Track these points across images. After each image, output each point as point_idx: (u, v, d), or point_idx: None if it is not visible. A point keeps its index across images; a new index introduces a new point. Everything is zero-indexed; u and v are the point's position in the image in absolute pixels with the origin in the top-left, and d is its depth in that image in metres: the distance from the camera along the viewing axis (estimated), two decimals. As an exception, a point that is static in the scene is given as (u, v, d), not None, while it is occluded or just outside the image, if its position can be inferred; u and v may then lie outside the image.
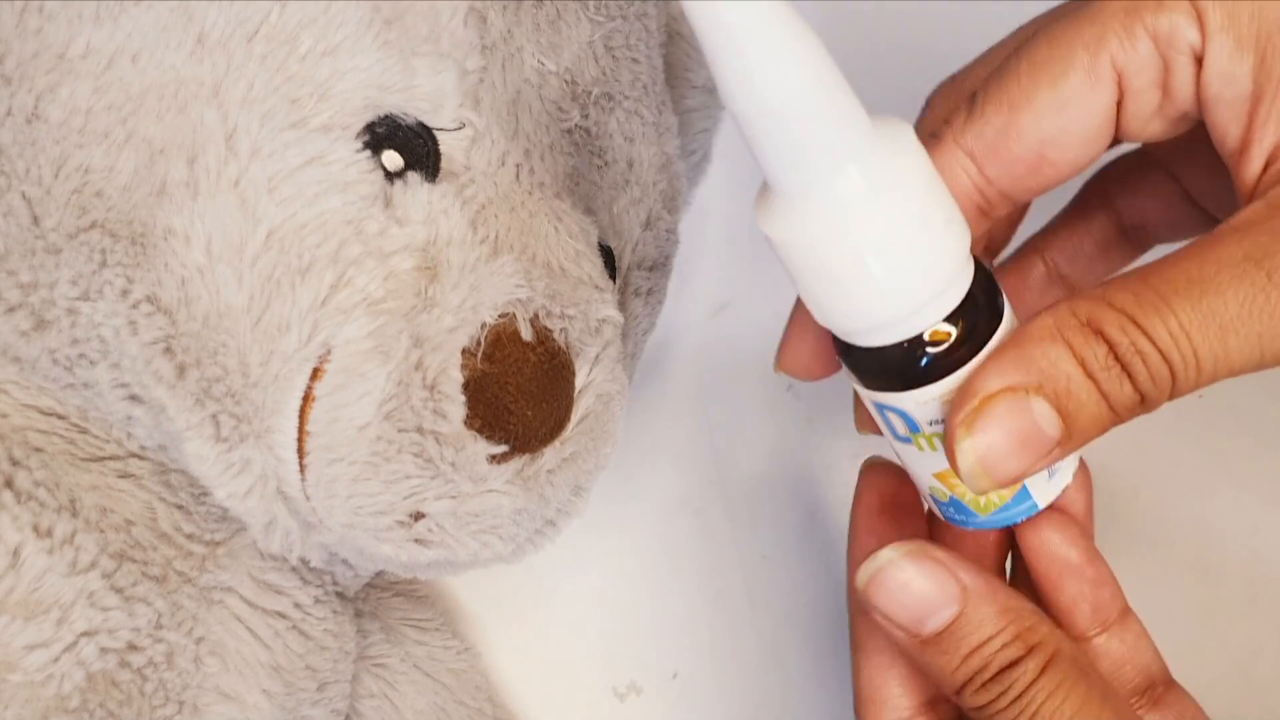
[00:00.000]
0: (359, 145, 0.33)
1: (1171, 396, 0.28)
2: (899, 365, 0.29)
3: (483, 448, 0.32)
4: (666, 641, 0.51)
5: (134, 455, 0.36)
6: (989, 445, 0.28)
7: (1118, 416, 0.28)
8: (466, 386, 0.31)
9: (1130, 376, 0.27)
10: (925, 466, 0.31)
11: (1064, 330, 0.28)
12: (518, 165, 0.35)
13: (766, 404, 0.52)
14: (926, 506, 0.35)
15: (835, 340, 0.30)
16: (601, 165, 0.38)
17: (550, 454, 0.33)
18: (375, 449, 0.32)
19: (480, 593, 0.51)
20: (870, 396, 0.30)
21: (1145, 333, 0.27)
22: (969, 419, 0.28)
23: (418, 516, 0.33)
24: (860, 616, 0.34)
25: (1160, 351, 0.27)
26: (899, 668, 0.34)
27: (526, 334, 0.32)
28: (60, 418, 0.36)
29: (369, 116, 0.33)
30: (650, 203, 0.40)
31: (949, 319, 0.28)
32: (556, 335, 0.33)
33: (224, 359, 0.32)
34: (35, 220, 0.33)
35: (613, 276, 0.38)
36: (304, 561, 0.37)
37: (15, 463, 0.35)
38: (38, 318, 0.34)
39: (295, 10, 0.32)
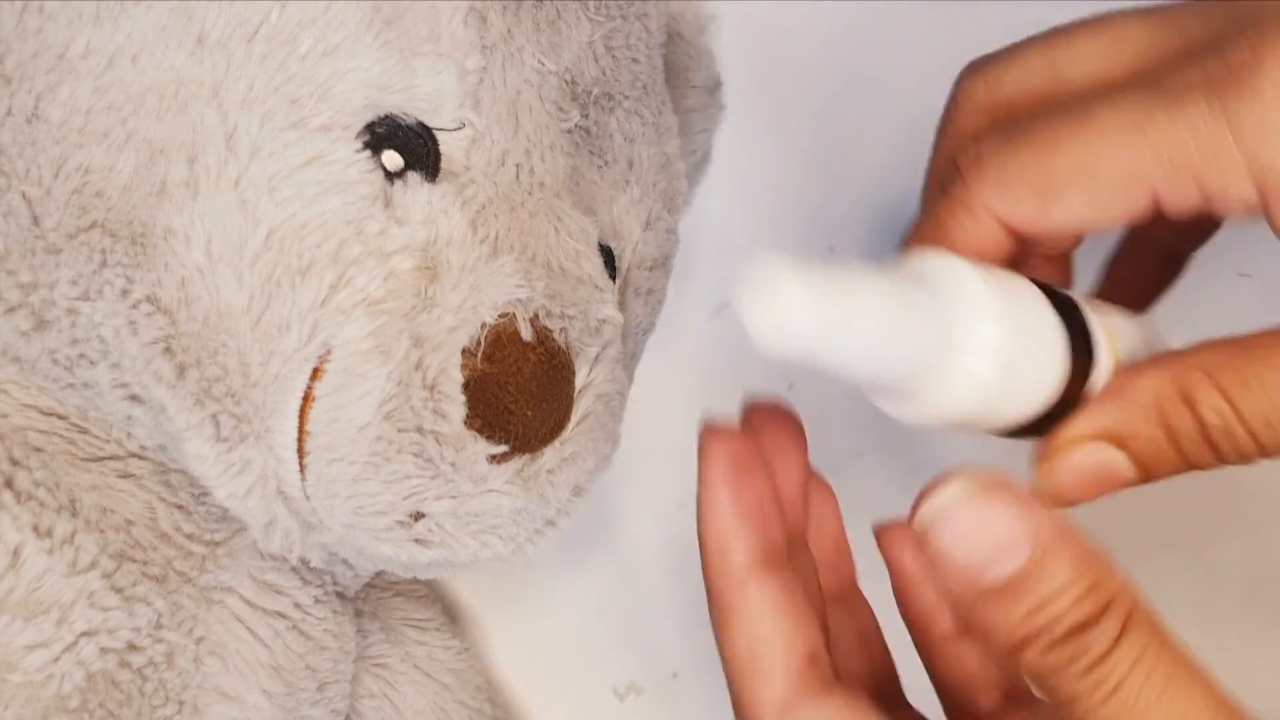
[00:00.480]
0: (359, 145, 0.33)
1: (1246, 464, 0.30)
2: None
3: (483, 448, 0.32)
4: (667, 641, 0.51)
5: (134, 455, 0.36)
6: (1064, 478, 0.31)
7: (1188, 470, 0.30)
8: (466, 386, 0.31)
9: (1215, 449, 0.30)
10: None
11: (1162, 401, 0.30)
12: (518, 165, 0.35)
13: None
14: None
15: None
16: (601, 165, 0.38)
17: (550, 454, 0.33)
18: (375, 449, 0.32)
19: (480, 593, 0.51)
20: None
21: (1240, 416, 0.29)
22: (1053, 455, 0.31)
23: (418, 516, 0.33)
24: (724, 575, 0.31)
25: (1251, 434, 0.29)
26: (780, 626, 0.30)
27: (527, 334, 0.32)
28: (60, 418, 0.36)
29: (369, 116, 0.33)
30: (650, 203, 0.40)
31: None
32: (556, 335, 0.33)
33: (224, 359, 0.32)
34: (35, 220, 0.33)
35: (613, 276, 0.38)
36: (304, 561, 0.37)
37: (15, 463, 0.35)
38: (38, 318, 0.34)
39: (295, 10, 0.32)
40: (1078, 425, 0.30)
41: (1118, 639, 0.26)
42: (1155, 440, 0.30)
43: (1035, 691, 0.28)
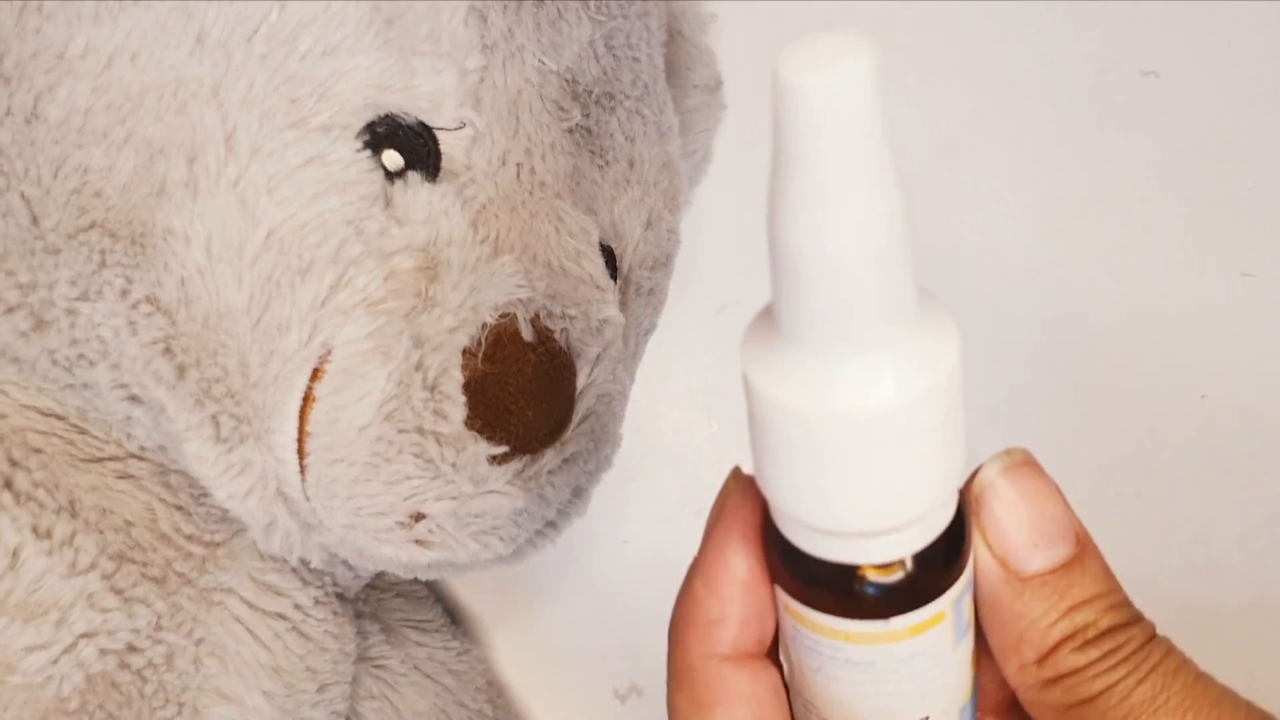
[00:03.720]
0: (359, 145, 0.33)
1: None
2: (837, 583, 0.24)
3: (483, 448, 0.32)
4: (667, 643, 0.50)
5: (133, 456, 0.36)
6: None
7: None
8: (467, 387, 0.31)
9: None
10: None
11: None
12: (518, 165, 0.35)
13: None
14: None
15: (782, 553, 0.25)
16: (602, 165, 0.38)
17: (551, 455, 0.33)
18: (376, 450, 0.32)
19: (481, 594, 0.51)
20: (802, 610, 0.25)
21: None
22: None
23: (418, 517, 0.33)
24: (711, 654, 0.26)
25: None
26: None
27: (527, 334, 0.32)
28: (59, 418, 0.36)
29: (369, 116, 0.33)
30: (651, 202, 0.39)
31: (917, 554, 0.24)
32: (557, 335, 0.33)
33: (224, 359, 0.32)
34: (34, 220, 0.33)
35: (614, 276, 0.38)
36: (304, 562, 0.37)
37: (14, 464, 0.35)
38: (37, 318, 0.34)
39: (295, 10, 0.32)
40: None
41: (1151, 638, 0.26)
42: None
43: (1042, 701, 0.26)
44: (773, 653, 0.27)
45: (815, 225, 0.21)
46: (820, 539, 0.23)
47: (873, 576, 0.23)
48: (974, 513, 0.25)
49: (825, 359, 0.20)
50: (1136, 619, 0.26)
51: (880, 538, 0.23)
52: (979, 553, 0.25)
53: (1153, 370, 0.51)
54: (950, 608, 0.24)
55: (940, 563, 0.24)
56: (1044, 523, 0.25)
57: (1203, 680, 0.25)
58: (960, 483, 0.24)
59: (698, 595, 0.26)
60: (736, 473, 0.27)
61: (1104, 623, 0.25)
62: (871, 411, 0.21)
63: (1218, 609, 0.50)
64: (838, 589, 0.23)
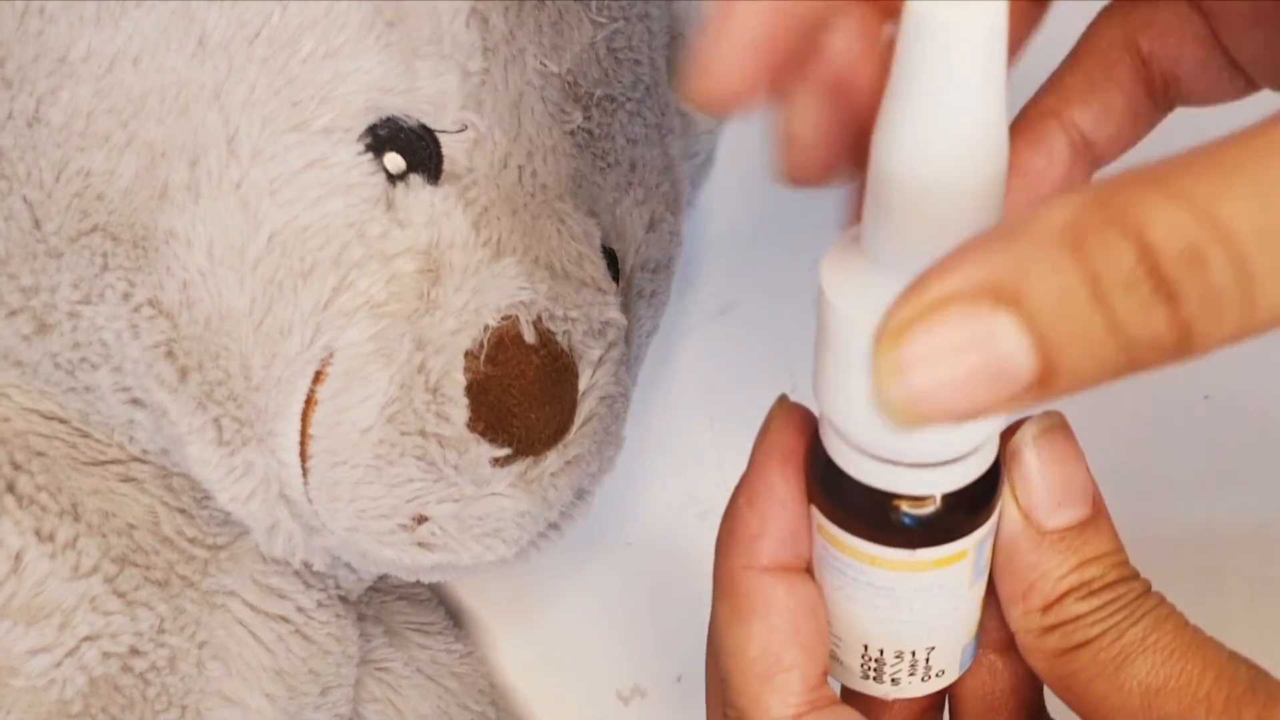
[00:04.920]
0: (361, 148, 0.33)
1: (1233, 337, 0.19)
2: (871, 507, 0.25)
3: (486, 451, 0.32)
4: (670, 644, 0.50)
5: (136, 459, 0.36)
6: (918, 374, 0.19)
7: (1136, 360, 0.20)
8: (469, 389, 0.31)
9: (1173, 297, 0.18)
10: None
11: (1080, 228, 0.19)
12: (520, 167, 0.35)
13: (770, 405, 0.52)
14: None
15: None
16: (604, 167, 0.38)
17: (553, 457, 0.33)
18: (378, 452, 0.32)
19: (484, 596, 0.50)
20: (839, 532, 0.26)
21: (1215, 223, 0.18)
22: (901, 326, 0.19)
23: (421, 520, 0.33)
24: (751, 566, 0.28)
25: (1237, 253, 0.18)
26: (803, 632, 0.27)
27: (529, 336, 0.32)
28: (62, 422, 0.36)
29: (371, 119, 0.33)
30: (653, 204, 0.40)
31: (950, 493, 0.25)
32: (559, 338, 0.33)
33: (226, 362, 0.32)
34: (36, 224, 0.33)
35: (616, 278, 0.38)
36: (306, 565, 0.37)
37: (17, 467, 0.35)
38: (39, 321, 0.34)
39: (297, 12, 0.32)
40: (939, 280, 0.19)
41: (1147, 591, 0.27)
42: (1069, 294, 0.19)
43: (1039, 646, 0.27)
44: (810, 569, 0.28)
45: (921, 148, 0.21)
46: (865, 462, 0.24)
47: (906, 507, 0.24)
48: (1007, 465, 0.26)
49: (905, 280, 0.20)
50: (1136, 575, 0.28)
51: (920, 471, 0.24)
52: (1005, 503, 0.27)
53: (1155, 371, 0.51)
54: (974, 548, 0.26)
55: (970, 505, 0.25)
56: (1069, 485, 0.27)
57: (1190, 627, 0.27)
58: (998, 434, 0.25)
59: (740, 511, 0.27)
60: (783, 399, 0.28)
61: (1109, 577, 0.27)
62: None
63: (1221, 610, 0.50)
64: (871, 515, 0.25)
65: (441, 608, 0.48)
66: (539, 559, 0.36)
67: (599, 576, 0.51)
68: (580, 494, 0.36)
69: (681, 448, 0.52)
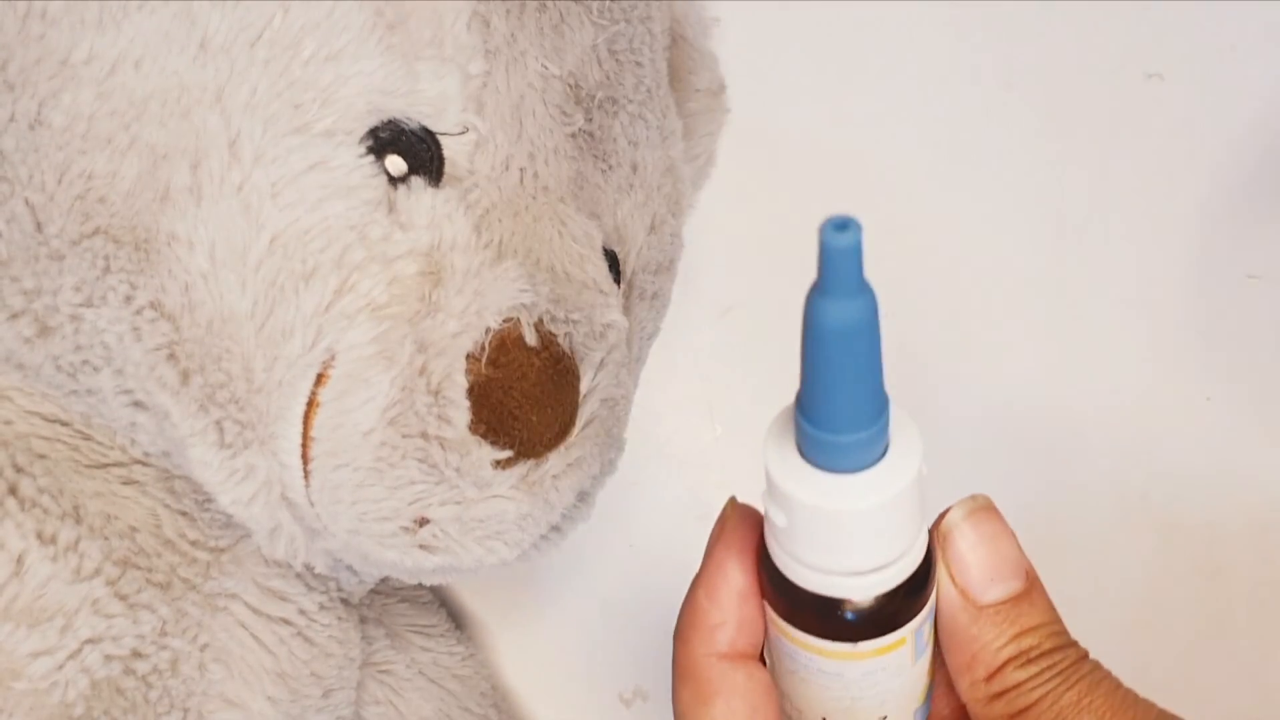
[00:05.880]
0: (362, 150, 0.33)
1: None
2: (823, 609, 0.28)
3: (487, 453, 0.32)
4: (671, 647, 0.50)
5: (138, 462, 0.36)
6: None
7: None
8: (471, 391, 0.31)
9: None
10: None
11: None
12: (521, 169, 0.35)
13: (772, 407, 0.52)
14: None
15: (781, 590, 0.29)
16: (605, 169, 0.38)
17: (555, 459, 0.33)
18: (379, 454, 0.32)
19: (486, 598, 0.50)
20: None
21: None
22: None
23: (422, 522, 0.33)
24: (711, 654, 0.30)
25: None
26: (761, 712, 0.30)
27: (531, 339, 0.32)
28: (64, 424, 0.36)
29: (372, 121, 0.33)
30: (655, 206, 0.40)
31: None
32: (561, 340, 0.33)
33: (228, 365, 0.32)
34: (38, 226, 0.33)
35: (617, 281, 0.38)
36: (308, 567, 0.37)
37: (19, 469, 0.35)
38: (41, 324, 0.34)
39: (298, 15, 0.32)
40: None
41: (1083, 658, 0.30)
42: None
43: (987, 714, 0.30)
44: (763, 656, 0.30)
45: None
46: (808, 573, 0.27)
47: (848, 607, 0.27)
48: (940, 548, 0.29)
49: (827, 476, 0.26)
50: (1072, 644, 0.30)
51: (858, 577, 0.27)
52: (942, 582, 0.29)
53: (1156, 371, 0.51)
54: (911, 635, 0.28)
55: (907, 595, 0.28)
56: (1000, 561, 0.30)
57: (1122, 690, 0.29)
58: (925, 531, 0.28)
59: (700, 603, 0.30)
60: (734, 501, 0.31)
61: (1045, 645, 0.29)
62: (856, 510, 0.26)
63: (1223, 611, 0.50)
64: (817, 614, 0.28)
65: (443, 610, 0.48)
66: (541, 561, 0.36)
67: (601, 579, 0.51)
68: (582, 496, 0.36)
69: (683, 450, 0.52)
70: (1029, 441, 0.51)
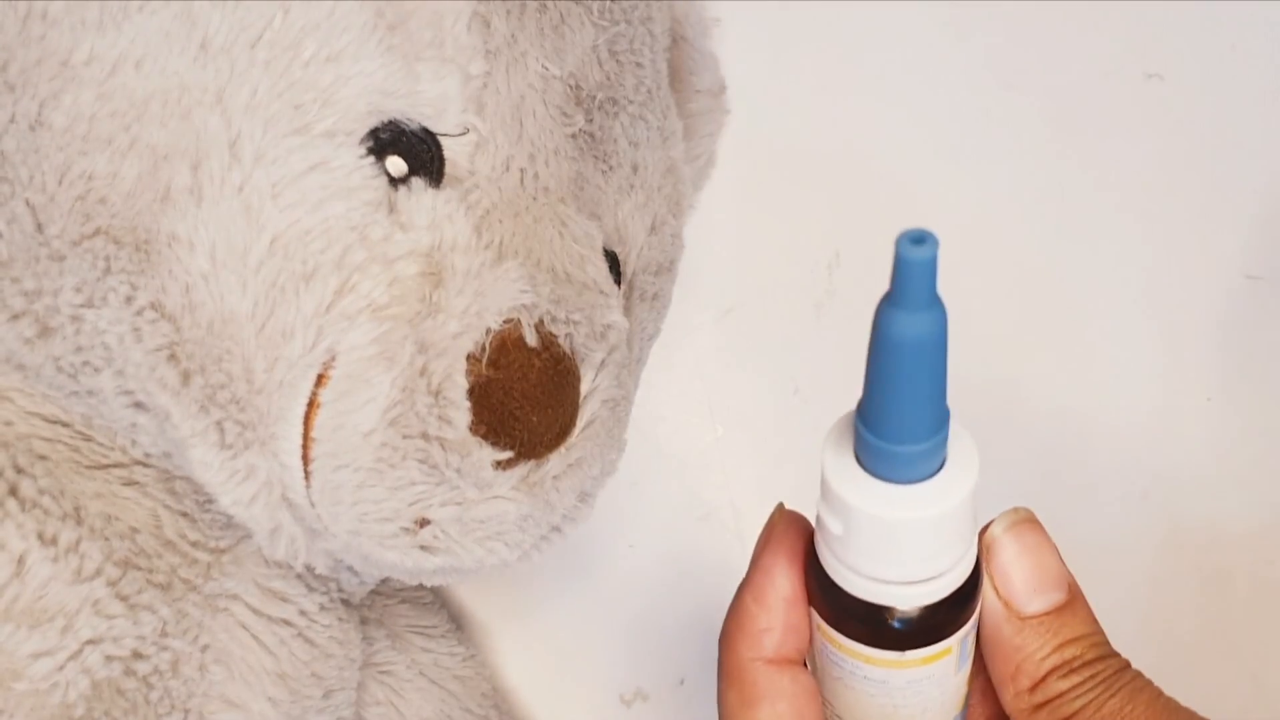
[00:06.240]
0: (363, 151, 0.33)
1: None
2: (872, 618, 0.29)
3: (488, 453, 0.32)
4: (673, 648, 0.50)
5: (138, 463, 0.36)
6: None
7: None
8: (471, 392, 0.31)
9: None
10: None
11: None
12: (522, 170, 0.35)
13: (773, 408, 0.52)
14: None
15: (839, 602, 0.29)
16: (606, 170, 0.38)
17: (556, 460, 0.33)
18: (380, 455, 0.32)
19: (486, 599, 0.51)
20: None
21: None
22: None
23: (423, 523, 0.33)
24: (758, 656, 0.31)
25: None
26: (806, 717, 0.31)
27: (531, 339, 0.32)
28: (65, 425, 0.36)
29: (373, 122, 0.33)
30: (655, 207, 0.40)
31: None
32: (562, 340, 0.33)
33: (228, 365, 0.32)
34: (39, 227, 0.33)
35: (618, 281, 0.38)
36: (309, 568, 0.37)
37: (20, 470, 0.35)
38: (42, 325, 0.34)
39: (298, 16, 0.32)
40: None
41: (1125, 668, 0.30)
42: None
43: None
44: (807, 661, 0.31)
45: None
46: (858, 579, 0.27)
47: (897, 616, 0.27)
48: (985, 559, 0.29)
49: (886, 485, 0.26)
50: (1114, 654, 0.30)
51: (909, 587, 0.27)
52: (986, 594, 0.30)
53: (1157, 372, 0.51)
54: (958, 644, 0.28)
55: (955, 605, 0.28)
56: (1042, 573, 0.30)
57: (1163, 698, 0.30)
58: (975, 544, 0.28)
59: (747, 608, 0.30)
60: (781, 508, 0.31)
61: (1088, 655, 0.30)
62: (914, 520, 0.26)
63: (1224, 611, 0.50)
64: (866, 622, 0.28)
65: (444, 611, 0.48)
66: (541, 562, 0.36)
67: (601, 580, 0.51)
68: (582, 497, 0.36)
69: (684, 451, 0.52)
70: (1029, 442, 0.51)
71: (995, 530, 0.30)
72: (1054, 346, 0.52)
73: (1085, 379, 0.51)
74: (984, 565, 0.30)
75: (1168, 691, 0.30)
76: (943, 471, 0.26)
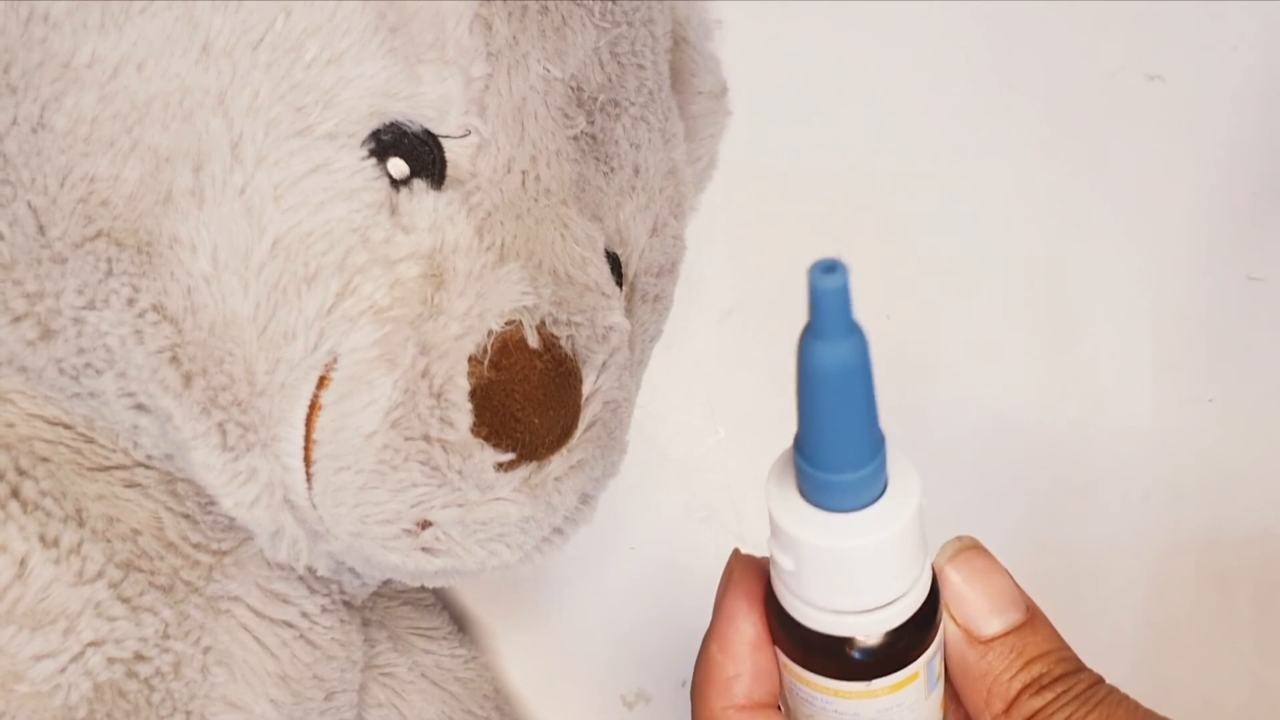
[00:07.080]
0: (364, 153, 0.33)
1: None
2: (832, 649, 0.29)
3: (490, 455, 0.32)
4: (675, 649, 0.50)
5: (140, 465, 0.36)
6: None
7: None
8: (473, 394, 0.31)
9: None
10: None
11: None
12: (524, 172, 0.35)
13: (774, 409, 0.52)
14: None
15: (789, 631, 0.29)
16: (608, 172, 0.38)
17: (557, 461, 0.33)
18: (382, 457, 0.32)
19: (488, 601, 0.51)
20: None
21: None
22: None
23: (425, 525, 0.33)
24: (729, 704, 0.31)
25: None
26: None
27: (533, 341, 0.32)
28: (67, 427, 0.36)
29: (374, 124, 0.33)
30: (657, 209, 0.40)
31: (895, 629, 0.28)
32: (563, 342, 0.33)
33: (230, 367, 0.32)
34: (41, 229, 0.33)
35: (619, 283, 0.38)
36: (311, 570, 0.37)
37: (22, 472, 0.35)
38: (44, 327, 0.34)
39: (300, 18, 0.32)
40: None
41: (1098, 682, 0.30)
42: None
43: None
44: (779, 703, 0.31)
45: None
46: (818, 614, 0.27)
47: (859, 646, 0.28)
48: (942, 580, 0.30)
49: (830, 515, 0.26)
50: (1083, 669, 0.30)
51: (867, 615, 0.27)
52: (947, 625, 0.30)
53: (1158, 373, 0.51)
54: (923, 668, 0.28)
55: (915, 632, 0.28)
56: (996, 594, 0.30)
57: (1142, 710, 0.30)
58: (929, 565, 0.29)
59: (714, 657, 0.30)
60: (737, 552, 0.31)
61: (1056, 671, 0.30)
62: (860, 546, 0.26)
63: (1225, 612, 0.50)
64: (829, 655, 0.28)
65: (446, 613, 0.48)
66: (543, 564, 0.36)
67: (603, 581, 0.51)
68: (584, 498, 0.36)
69: (686, 452, 0.52)
70: (1030, 444, 0.51)
71: (939, 561, 0.30)
72: (1054, 347, 0.52)
73: (1085, 380, 0.51)
74: (941, 590, 0.29)
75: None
76: (885, 496, 0.26)
